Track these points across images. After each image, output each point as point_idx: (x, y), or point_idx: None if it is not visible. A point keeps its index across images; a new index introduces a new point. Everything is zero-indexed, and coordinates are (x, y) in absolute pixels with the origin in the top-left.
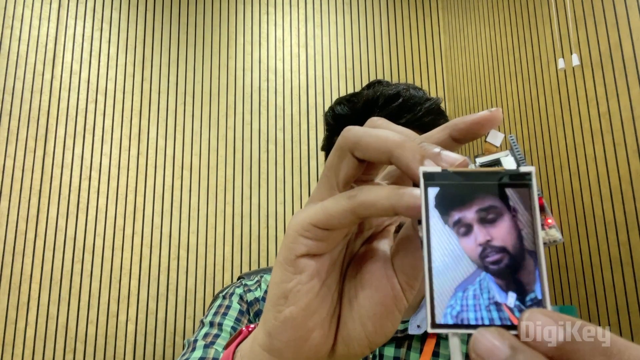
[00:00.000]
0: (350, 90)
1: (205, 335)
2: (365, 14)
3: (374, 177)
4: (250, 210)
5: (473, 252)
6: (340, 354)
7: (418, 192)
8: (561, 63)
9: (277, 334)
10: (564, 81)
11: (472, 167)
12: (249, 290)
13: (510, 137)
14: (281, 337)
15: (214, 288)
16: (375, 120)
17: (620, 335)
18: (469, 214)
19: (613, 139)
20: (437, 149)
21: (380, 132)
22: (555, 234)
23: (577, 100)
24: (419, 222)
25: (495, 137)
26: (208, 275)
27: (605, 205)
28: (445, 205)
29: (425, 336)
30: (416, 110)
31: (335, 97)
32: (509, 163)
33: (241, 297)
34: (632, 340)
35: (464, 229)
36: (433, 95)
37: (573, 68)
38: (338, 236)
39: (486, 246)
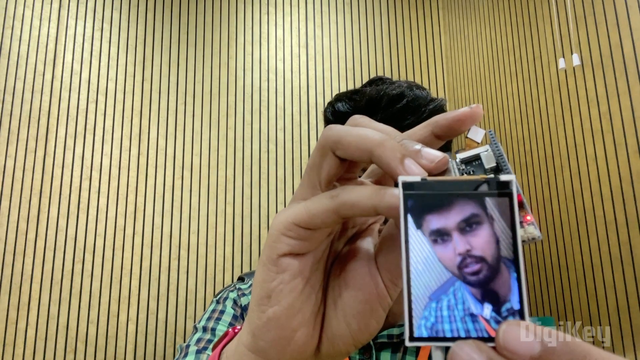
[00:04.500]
0: None
1: (198, 340)
2: (365, 14)
3: (357, 175)
4: (251, 210)
5: (451, 261)
6: (325, 353)
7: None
8: (562, 63)
9: (261, 334)
10: (565, 81)
11: (452, 164)
12: (243, 295)
13: (490, 132)
14: (265, 337)
15: (214, 288)
16: (356, 118)
17: (621, 335)
18: (448, 223)
19: (614, 138)
20: (417, 147)
21: (361, 130)
22: (534, 231)
23: (578, 100)
24: None
25: (477, 133)
26: (209, 275)
27: (606, 205)
28: (424, 215)
29: None
30: (420, 112)
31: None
32: (488, 158)
33: (235, 302)
34: (633, 340)
35: (442, 238)
36: (434, 95)
37: (574, 68)
38: (321, 235)
39: (466, 256)
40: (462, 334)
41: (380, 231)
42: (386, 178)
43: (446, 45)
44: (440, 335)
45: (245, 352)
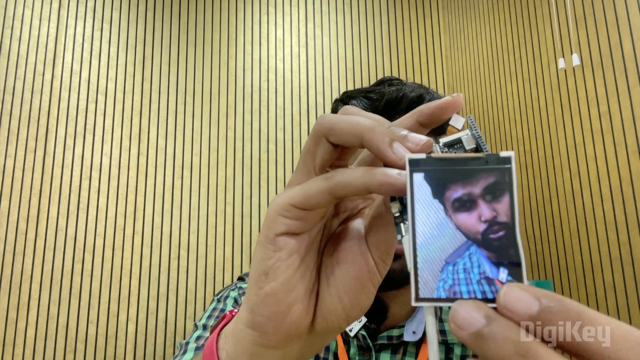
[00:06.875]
0: None
1: (198, 338)
2: (365, 14)
3: (348, 162)
4: (251, 210)
5: (474, 227)
6: (319, 328)
7: (389, 171)
8: (561, 63)
9: (258, 310)
10: (564, 81)
11: (436, 147)
12: (244, 293)
13: (469, 118)
14: (262, 312)
15: (214, 288)
16: (347, 108)
17: None
18: (464, 194)
19: (613, 138)
20: (404, 132)
21: (352, 118)
22: None
23: (578, 100)
24: (392, 199)
25: (457, 121)
26: (208, 275)
27: (606, 205)
28: (434, 188)
29: (420, 342)
30: None
31: (335, 97)
32: (468, 140)
33: (236, 301)
34: None
35: (464, 205)
36: None
37: (573, 68)
38: (316, 216)
39: (492, 222)
40: (479, 295)
41: None
42: (375, 164)
43: (446, 45)
44: (457, 296)
45: (243, 328)
